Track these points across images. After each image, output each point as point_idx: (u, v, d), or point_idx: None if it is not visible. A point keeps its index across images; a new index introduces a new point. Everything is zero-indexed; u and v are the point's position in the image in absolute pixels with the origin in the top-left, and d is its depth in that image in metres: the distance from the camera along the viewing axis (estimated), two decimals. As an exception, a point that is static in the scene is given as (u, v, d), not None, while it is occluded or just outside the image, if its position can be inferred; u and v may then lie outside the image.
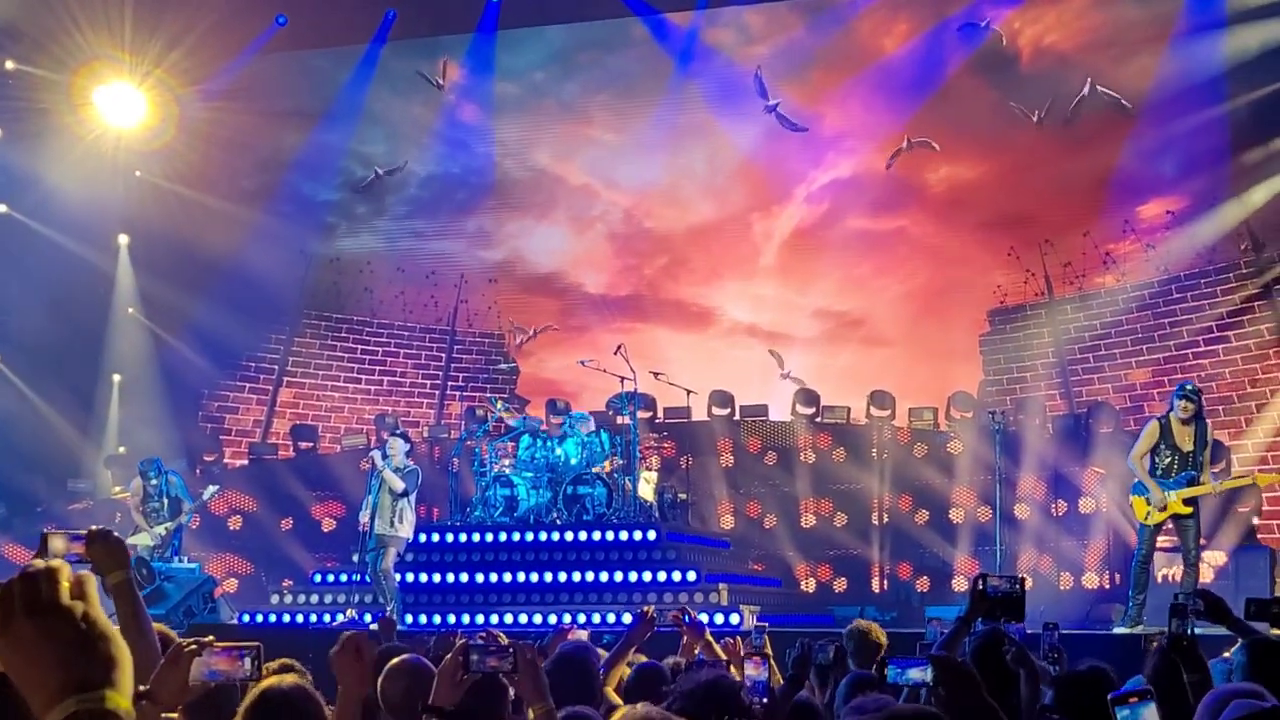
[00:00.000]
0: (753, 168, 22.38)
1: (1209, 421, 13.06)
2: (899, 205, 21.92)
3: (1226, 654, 5.97)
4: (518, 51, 22.47)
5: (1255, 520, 16.35)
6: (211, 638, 3.66)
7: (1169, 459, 12.68)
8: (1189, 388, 12.83)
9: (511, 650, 4.18)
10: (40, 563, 2.04)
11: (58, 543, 4.05)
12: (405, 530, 14.71)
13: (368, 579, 14.90)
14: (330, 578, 16.47)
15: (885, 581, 18.48)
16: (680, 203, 22.77)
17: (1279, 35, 18.40)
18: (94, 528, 4.19)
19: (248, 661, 3.69)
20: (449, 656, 4.20)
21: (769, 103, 21.55)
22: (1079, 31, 20.72)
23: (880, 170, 21.68)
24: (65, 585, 2.01)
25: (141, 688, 3.44)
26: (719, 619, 13.34)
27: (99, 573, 3.98)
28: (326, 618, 15.00)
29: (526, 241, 23.17)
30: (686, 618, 7.54)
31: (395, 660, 4.88)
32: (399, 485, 14.52)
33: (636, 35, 22.34)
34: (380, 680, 4.71)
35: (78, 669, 1.95)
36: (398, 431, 15.67)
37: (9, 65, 19.27)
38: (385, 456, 14.67)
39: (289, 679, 4.31)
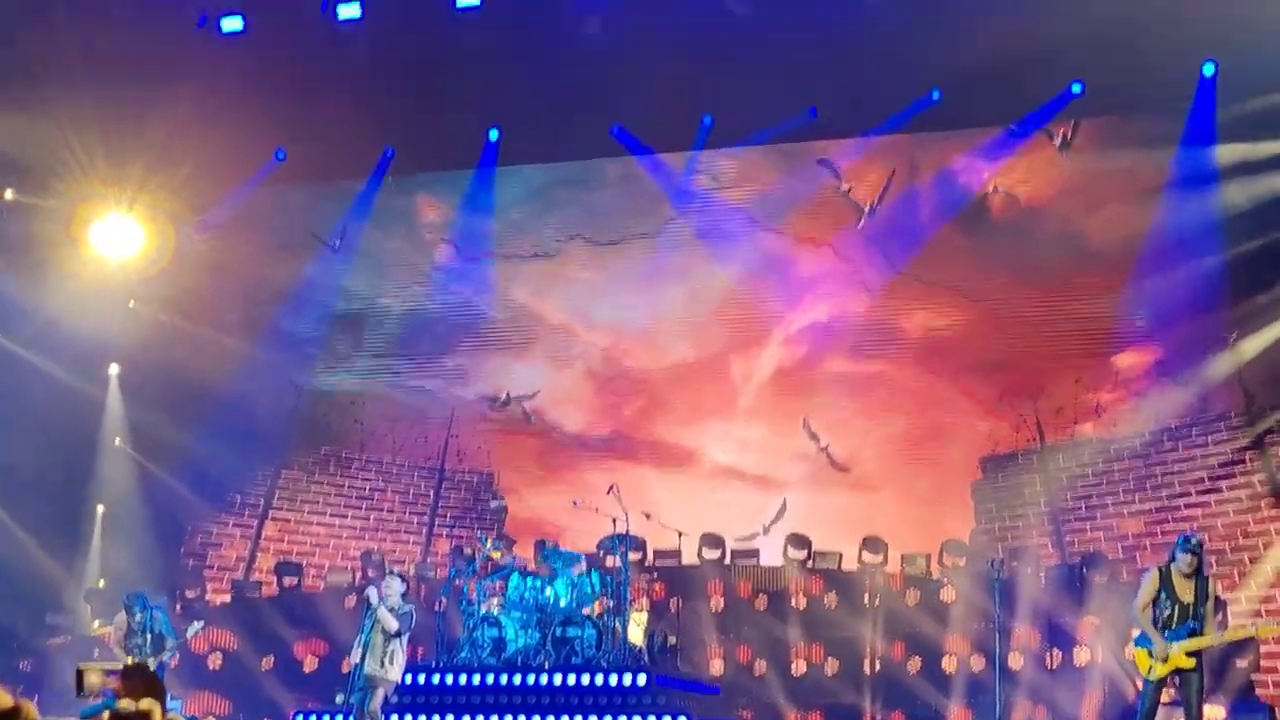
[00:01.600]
0: (731, 309, 22.45)
1: (1210, 575, 12.96)
2: (878, 349, 21.96)
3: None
4: (496, 190, 22.63)
5: (1252, 675, 16.17)
6: None
7: (1169, 610, 12.55)
8: (1194, 541, 12.71)
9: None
10: (129, 703, 1.97)
11: (94, 678, 4.02)
12: (395, 672, 14.45)
13: None
14: (312, 718, 16.16)
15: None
16: (659, 342, 22.79)
17: (1265, 190, 18.62)
18: (130, 661, 4.13)
19: None
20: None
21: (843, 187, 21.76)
22: (1050, 182, 20.96)
23: (859, 313, 21.79)
24: None
25: None
26: (710, 767, 13.10)
27: (132, 695, 3.93)
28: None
29: (506, 379, 23.11)
30: None
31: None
32: (393, 625, 14.29)
33: (613, 175, 22.57)
34: None
35: None
36: (395, 572, 15.48)
37: (8, 195, 19.36)
38: (381, 595, 14.46)
39: None
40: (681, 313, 22.62)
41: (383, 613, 14.29)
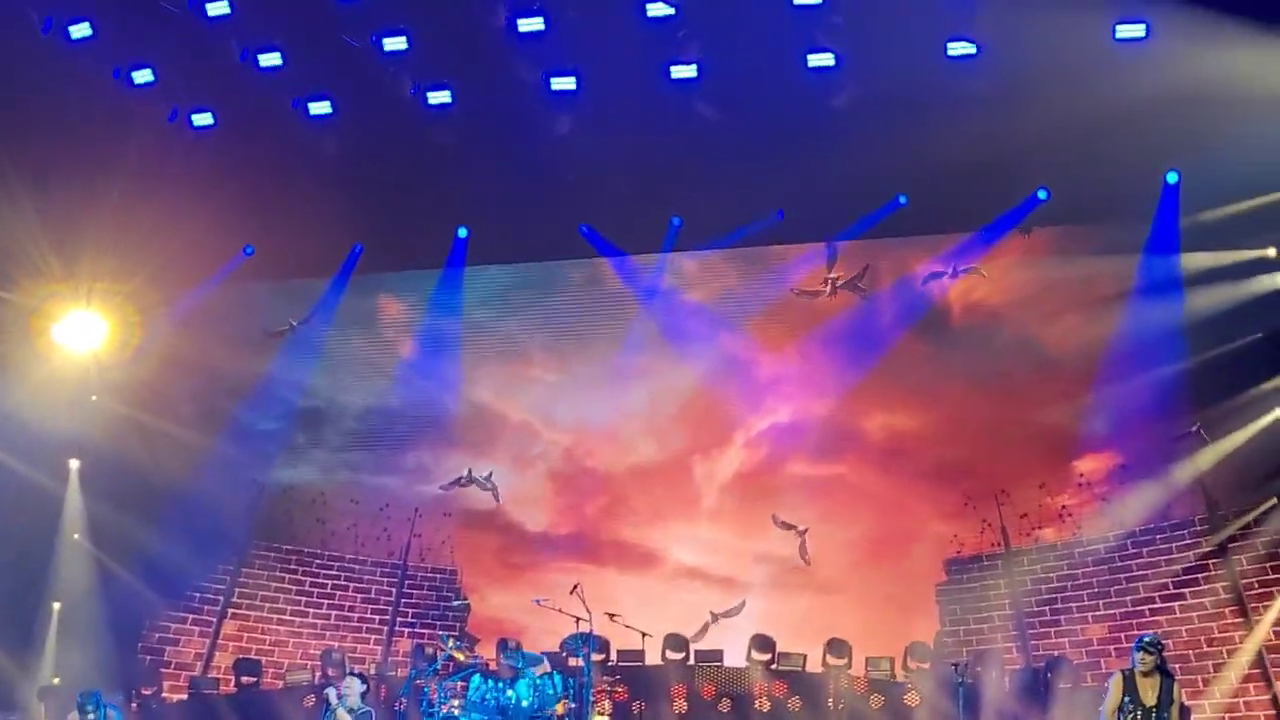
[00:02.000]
0: (692, 410, 22.48)
1: (1176, 678, 12.98)
2: (838, 452, 22.01)
3: None
4: (454, 289, 22.67)
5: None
6: None
7: (1134, 714, 12.64)
8: (1147, 640, 12.85)
9: None
10: None
11: None
12: None
13: None
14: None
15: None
16: (620, 442, 22.80)
17: (1228, 298, 18.80)
18: None
19: None
20: None
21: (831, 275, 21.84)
22: (1006, 289, 21.15)
23: (820, 415, 21.86)
24: None
25: None
26: None
27: None
28: None
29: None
30: None
31: None
32: None
33: (577, 277, 22.70)
34: None
35: None
36: (355, 672, 15.31)
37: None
38: (340, 695, 14.29)
39: None
40: (643, 412, 22.65)
41: (341, 714, 14.13)
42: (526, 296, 23.00)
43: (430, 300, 22.70)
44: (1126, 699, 12.67)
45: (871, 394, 21.72)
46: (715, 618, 21.27)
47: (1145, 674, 12.65)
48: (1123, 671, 12.91)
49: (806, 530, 21.52)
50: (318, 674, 19.86)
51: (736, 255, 21.82)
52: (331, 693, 14.43)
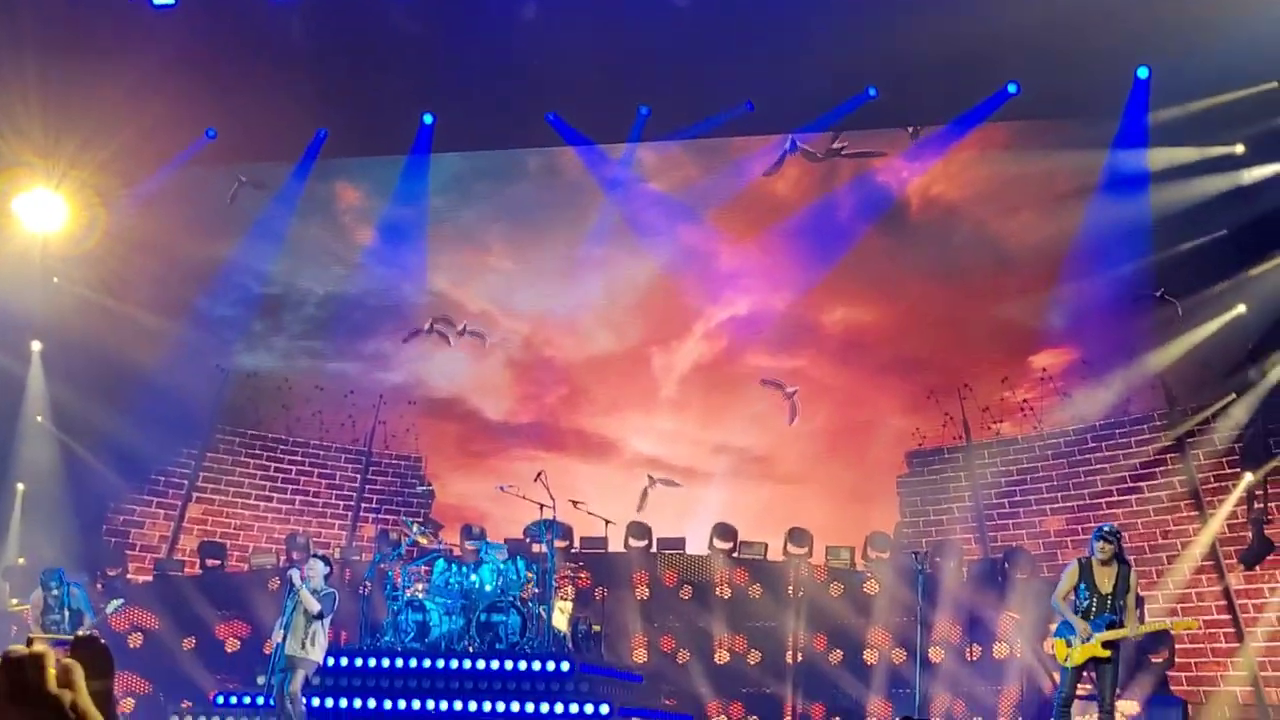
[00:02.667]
0: (650, 302, 22.54)
1: (1133, 567, 13.19)
2: (797, 345, 22.12)
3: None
4: (415, 177, 22.50)
5: (1167, 672, 16.40)
6: None
7: (1089, 601, 12.86)
8: (1107, 529, 13.06)
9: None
10: (20, 648, 1.93)
11: (40, 649, 3.96)
12: (316, 654, 14.39)
13: (272, 702, 14.51)
14: (233, 699, 16.03)
15: (799, 720, 18.28)
16: (579, 332, 22.85)
17: (1195, 194, 18.84)
18: (81, 633, 4.12)
19: None
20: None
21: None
22: (964, 184, 21.16)
23: (779, 309, 21.92)
24: (51, 673, 1.89)
25: None
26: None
27: None
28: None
29: (425, 365, 23.06)
30: None
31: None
32: (315, 607, 14.23)
33: (532, 166, 22.61)
34: None
35: None
36: (318, 554, 15.40)
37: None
38: (304, 578, 14.39)
39: None
40: (601, 303, 22.69)
41: (305, 594, 14.22)
42: (487, 186, 22.92)
43: (393, 189, 22.54)
44: (1082, 585, 12.90)
45: (831, 289, 21.80)
46: (653, 481, 21.48)
47: (1103, 562, 12.85)
48: (1079, 560, 13.13)
49: (796, 391, 21.62)
50: (282, 557, 19.97)
51: (701, 146, 21.70)
52: (295, 574, 14.52)
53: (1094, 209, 19.56)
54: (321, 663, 14.67)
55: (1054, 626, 13.43)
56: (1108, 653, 12.76)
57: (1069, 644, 12.86)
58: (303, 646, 14.23)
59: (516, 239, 23.03)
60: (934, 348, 21.38)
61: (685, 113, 20.01)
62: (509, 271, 23.16)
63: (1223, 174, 18.19)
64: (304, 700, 14.49)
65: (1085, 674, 13.03)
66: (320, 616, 14.30)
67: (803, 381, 22.08)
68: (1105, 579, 12.85)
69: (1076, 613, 12.81)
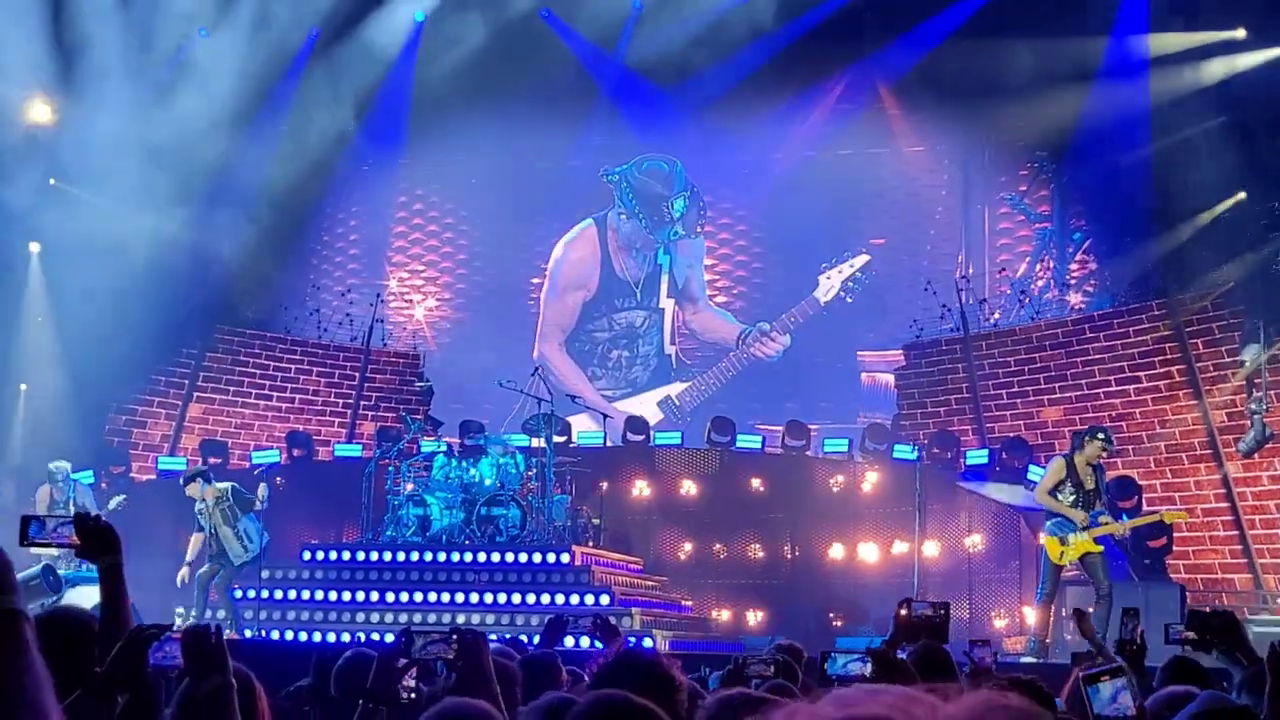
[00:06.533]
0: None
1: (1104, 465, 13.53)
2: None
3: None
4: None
5: (1165, 559, 16.52)
6: (174, 624, 3.67)
7: (1074, 496, 13.05)
8: (1107, 434, 13.29)
9: (454, 637, 4.11)
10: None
11: (47, 524, 3.99)
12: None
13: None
14: (237, 593, 16.17)
15: (799, 613, 18.39)
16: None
17: (1183, 84, 18.70)
18: (82, 512, 4.14)
19: None
20: (391, 644, 4.15)
21: None
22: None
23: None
24: None
25: (98, 669, 3.58)
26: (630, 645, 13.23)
27: (89, 557, 3.94)
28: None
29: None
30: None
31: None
32: None
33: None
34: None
35: None
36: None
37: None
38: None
39: None
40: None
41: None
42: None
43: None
44: (1068, 482, 13.14)
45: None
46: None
47: (1088, 461, 13.07)
48: (1064, 456, 13.37)
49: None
50: (283, 455, 20.04)
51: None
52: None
53: (1094, 96, 19.46)
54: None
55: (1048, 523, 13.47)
56: (1099, 547, 13.01)
57: (1063, 541, 13.01)
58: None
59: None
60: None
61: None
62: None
63: (1222, 58, 18.08)
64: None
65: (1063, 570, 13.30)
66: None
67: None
68: (1088, 476, 13.10)
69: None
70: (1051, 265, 21.57)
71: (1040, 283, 21.53)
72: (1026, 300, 20.91)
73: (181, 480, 16.38)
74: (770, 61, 21.13)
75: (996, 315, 20.94)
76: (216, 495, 15.54)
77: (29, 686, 1.94)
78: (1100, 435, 13.22)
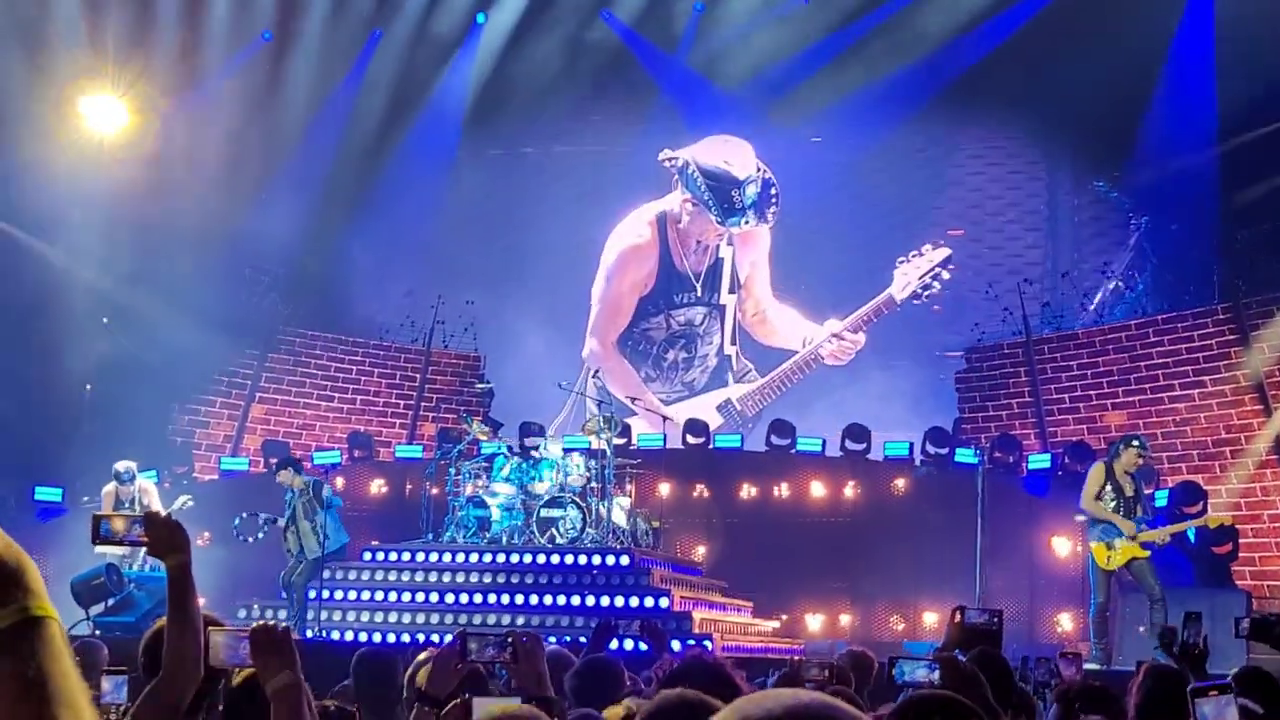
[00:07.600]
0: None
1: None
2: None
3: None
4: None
5: (1231, 565, 16.34)
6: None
7: (1115, 503, 13.18)
8: (1144, 442, 13.40)
9: (510, 641, 4.11)
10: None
11: (118, 523, 4.01)
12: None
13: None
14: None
15: (859, 617, 18.28)
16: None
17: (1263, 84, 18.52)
18: (151, 509, 4.17)
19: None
20: (446, 645, 4.14)
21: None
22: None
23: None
24: None
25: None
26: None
27: (156, 554, 3.96)
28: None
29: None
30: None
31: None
32: None
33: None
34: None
35: None
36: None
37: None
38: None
39: None
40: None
41: None
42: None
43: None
44: (1109, 488, 13.27)
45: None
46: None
47: (1128, 472, 13.15)
48: (1104, 462, 13.48)
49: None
50: (344, 456, 20.14)
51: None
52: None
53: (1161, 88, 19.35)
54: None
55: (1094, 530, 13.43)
56: (1147, 552, 13.06)
57: (1110, 546, 13.06)
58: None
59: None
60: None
61: None
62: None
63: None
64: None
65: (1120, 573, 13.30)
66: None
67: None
68: (1127, 483, 13.18)
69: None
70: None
71: (1112, 285, 21.34)
72: (1089, 303, 20.72)
73: (274, 466, 16.59)
74: (836, 59, 21.08)
75: (1061, 319, 20.77)
76: (301, 486, 15.73)
77: (54, 698, 1.85)
78: (1135, 442, 13.41)
